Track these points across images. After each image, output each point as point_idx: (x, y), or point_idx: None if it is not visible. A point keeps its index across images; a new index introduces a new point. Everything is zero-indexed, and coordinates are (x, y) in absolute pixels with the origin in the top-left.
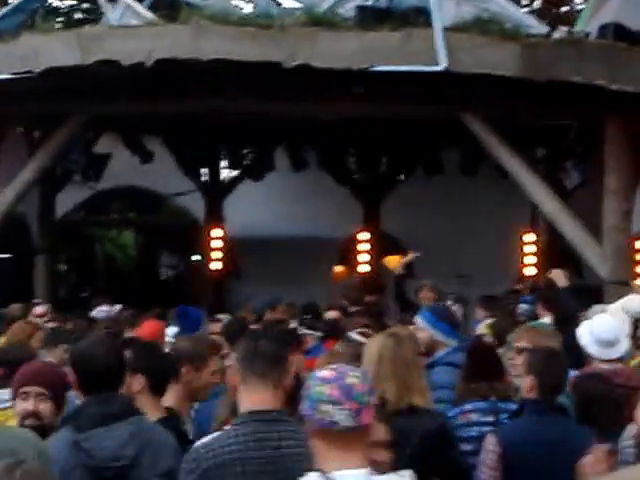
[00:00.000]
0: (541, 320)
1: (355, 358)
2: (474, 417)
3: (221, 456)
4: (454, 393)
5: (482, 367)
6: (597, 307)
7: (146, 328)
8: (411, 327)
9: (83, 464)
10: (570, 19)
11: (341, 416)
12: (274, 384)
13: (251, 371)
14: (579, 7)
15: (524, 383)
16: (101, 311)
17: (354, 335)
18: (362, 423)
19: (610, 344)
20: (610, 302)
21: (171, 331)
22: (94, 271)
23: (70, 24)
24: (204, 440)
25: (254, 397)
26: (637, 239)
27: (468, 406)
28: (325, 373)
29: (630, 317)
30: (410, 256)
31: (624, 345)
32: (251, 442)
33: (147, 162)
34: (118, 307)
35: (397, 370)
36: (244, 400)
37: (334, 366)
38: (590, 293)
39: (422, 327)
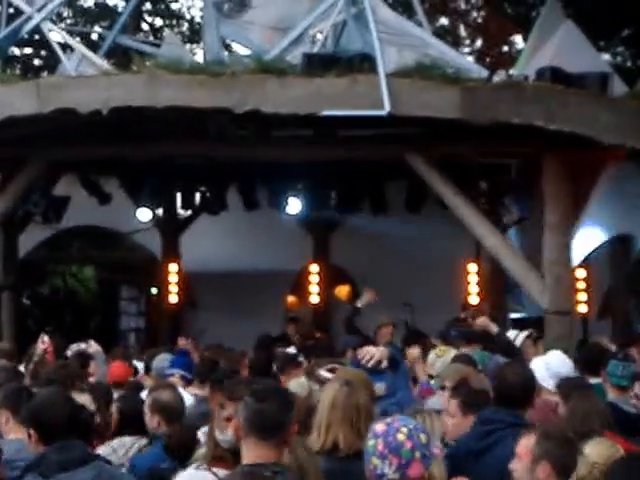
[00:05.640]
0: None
1: None
2: None
3: None
4: None
5: None
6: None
7: (114, 370)
8: None
9: None
10: (510, 59)
11: (387, 469)
12: (274, 444)
13: (254, 432)
14: (519, 47)
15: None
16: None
17: (323, 373)
18: (409, 476)
19: None
20: (550, 331)
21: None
22: (58, 305)
23: (27, 72)
24: None
25: (252, 454)
26: (578, 269)
27: None
28: (378, 427)
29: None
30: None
31: None
32: None
33: (105, 203)
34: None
35: (348, 417)
36: (244, 454)
37: (390, 419)
38: (531, 324)
39: None
